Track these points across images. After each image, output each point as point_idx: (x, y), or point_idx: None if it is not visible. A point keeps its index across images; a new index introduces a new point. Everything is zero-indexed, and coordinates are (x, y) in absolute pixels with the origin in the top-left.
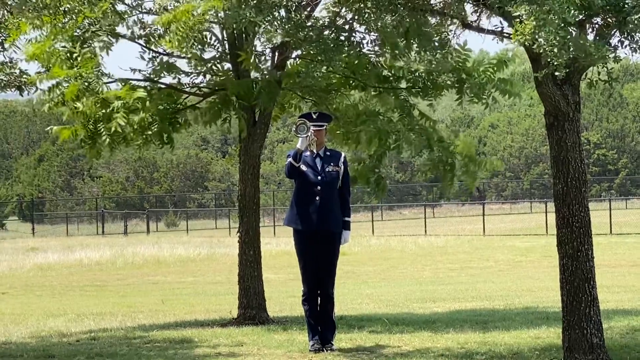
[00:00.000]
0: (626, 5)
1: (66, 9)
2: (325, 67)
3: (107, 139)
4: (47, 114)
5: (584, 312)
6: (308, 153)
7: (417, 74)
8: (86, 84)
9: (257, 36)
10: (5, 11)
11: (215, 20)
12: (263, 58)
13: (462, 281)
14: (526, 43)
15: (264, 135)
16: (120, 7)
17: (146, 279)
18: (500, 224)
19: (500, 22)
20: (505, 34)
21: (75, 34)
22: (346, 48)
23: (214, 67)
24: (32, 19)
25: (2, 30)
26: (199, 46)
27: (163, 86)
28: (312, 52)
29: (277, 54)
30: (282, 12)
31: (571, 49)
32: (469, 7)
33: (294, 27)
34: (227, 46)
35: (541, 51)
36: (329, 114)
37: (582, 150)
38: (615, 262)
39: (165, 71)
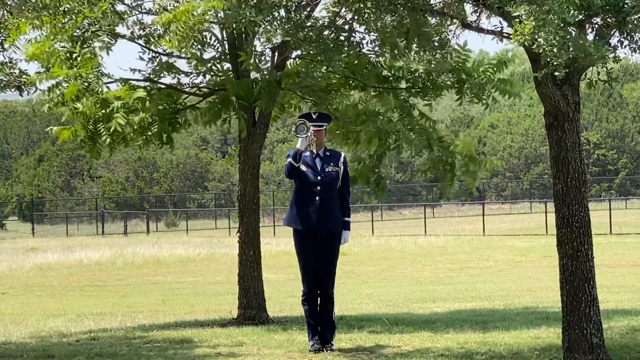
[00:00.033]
0: (626, 6)
1: (66, 9)
2: (325, 67)
3: (108, 139)
4: (46, 114)
5: (583, 312)
6: (308, 153)
7: (416, 74)
8: (86, 84)
9: (257, 36)
10: (5, 11)
11: (215, 20)
12: (263, 58)
13: (462, 281)
14: (526, 43)
15: (264, 135)
16: (120, 7)
17: (146, 279)
18: (500, 224)
19: (500, 22)
20: (504, 34)
21: (75, 34)
22: (346, 48)
23: (213, 67)
24: (31, 19)
25: (1, 31)
26: (199, 46)
27: (163, 86)
28: (311, 52)
29: (277, 54)
30: (282, 12)
31: (571, 49)
32: (468, 7)
33: (294, 27)
34: (226, 46)
35: (541, 51)
36: (329, 114)
37: (581, 150)
38: (615, 262)
39: (165, 71)
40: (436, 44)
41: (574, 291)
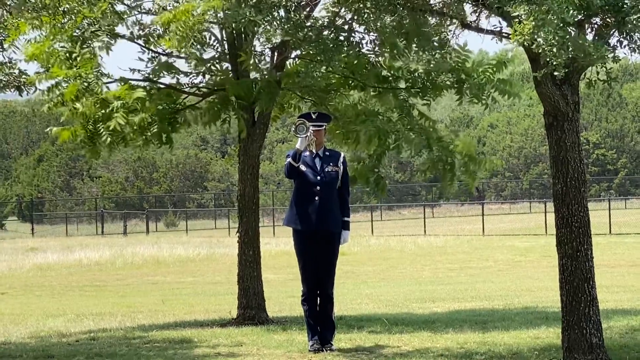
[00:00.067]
0: (625, 6)
1: (65, 9)
2: (324, 67)
3: (108, 139)
4: (46, 114)
5: (583, 312)
6: (307, 153)
7: (416, 74)
8: (85, 84)
9: (257, 36)
10: (4, 11)
11: (215, 20)
12: (262, 58)
13: (461, 281)
14: (525, 43)
15: (263, 135)
16: (120, 7)
17: (145, 279)
18: (500, 224)
19: (499, 22)
20: (504, 34)
21: (75, 34)
22: (345, 48)
23: (213, 67)
24: (31, 19)
25: (1, 31)
26: (198, 46)
27: (162, 86)
28: (311, 52)
29: (276, 54)
30: (282, 12)
31: (570, 48)
32: (468, 7)
33: (293, 27)
34: (226, 46)
35: (540, 51)
36: (328, 114)
37: (581, 150)
38: (614, 262)
39: (164, 71)
40: (436, 44)
41: (573, 291)
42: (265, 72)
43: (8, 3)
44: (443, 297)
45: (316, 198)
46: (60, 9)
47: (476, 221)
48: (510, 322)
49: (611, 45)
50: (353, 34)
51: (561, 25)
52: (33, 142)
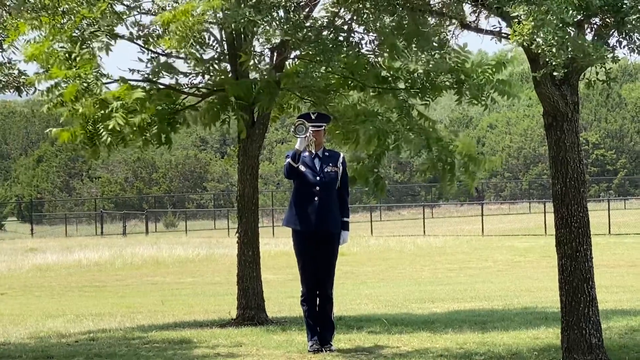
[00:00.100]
0: (624, 6)
1: (65, 10)
2: (324, 68)
3: (108, 138)
4: (45, 114)
5: (582, 312)
6: (307, 153)
7: (415, 74)
8: (85, 84)
9: (256, 36)
10: (4, 12)
11: (214, 20)
12: (262, 58)
13: (460, 281)
14: (525, 43)
15: (263, 135)
16: (119, 8)
17: (145, 279)
18: (499, 224)
19: (499, 22)
20: (503, 35)
21: (74, 34)
22: (345, 48)
23: (212, 68)
24: (30, 19)
25: (0, 31)
26: (198, 47)
27: (162, 87)
28: (310, 52)
29: (275, 54)
30: (281, 12)
31: (569, 49)
32: (467, 8)
33: (293, 27)
34: (225, 47)
35: (539, 51)
36: (328, 114)
37: (580, 150)
38: (613, 262)
39: (163, 71)
40: (435, 44)
41: (572, 291)
42: (264, 73)
43: (7, 3)
44: (442, 298)
45: (315, 198)
46: (59, 9)
47: (475, 221)
48: (509, 322)
49: (610, 45)
50: (352, 35)
51: (560, 25)
52: (32, 142)
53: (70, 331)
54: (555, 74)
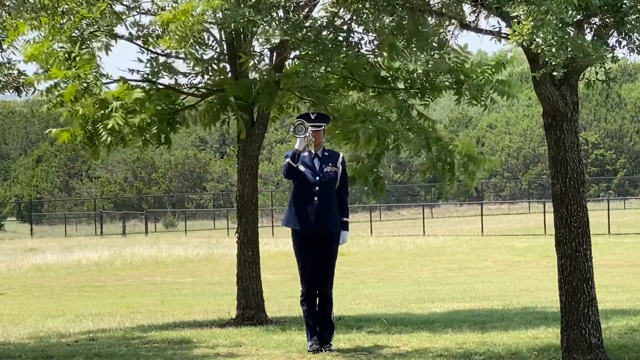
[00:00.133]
0: (624, 6)
1: (64, 10)
2: (323, 68)
3: (108, 138)
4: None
5: (582, 312)
6: (306, 153)
7: (415, 74)
8: (85, 84)
9: (256, 37)
10: (3, 12)
11: (214, 20)
12: (262, 58)
13: (460, 281)
14: (524, 43)
15: (262, 135)
16: (118, 8)
17: (145, 279)
18: (499, 224)
19: (498, 22)
20: (503, 35)
21: (74, 34)
22: (344, 48)
23: (212, 68)
24: (30, 19)
25: (0, 31)
26: (197, 47)
27: (161, 87)
28: (310, 52)
29: (275, 54)
30: (281, 13)
31: (569, 49)
32: (467, 8)
33: (292, 27)
34: (225, 47)
35: (539, 51)
36: (327, 114)
37: (580, 150)
38: (613, 262)
39: (163, 71)
40: (435, 44)
41: (572, 291)
42: (264, 73)
43: (7, 3)
44: (442, 298)
45: (315, 198)
46: (59, 9)
47: (475, 221)
48: (509, 322)
49: (610, 45)
50: (352, 35)
51: (560, 25)
52: (32, 142)
53: (69, 331)
54: (554, 74)
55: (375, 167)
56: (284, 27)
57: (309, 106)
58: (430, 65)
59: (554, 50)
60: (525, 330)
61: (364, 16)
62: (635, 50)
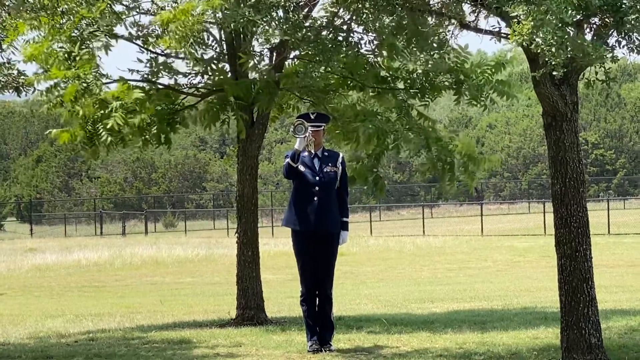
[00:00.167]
0: (623, 6)
1: (64, 10)
2: (323, 68)
3: (108, 138)
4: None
5: (582, 312)
6: (306, 153)
7: (414, 74)
8: (84, 84)
9: (255, 36)
10: (3, 12)
11: (214, 20)
12: (261, 58)
13: (460, 281)
14: (524, 43)
15: (262, 135)
16: (118, 8)
17: (144, 279)
18: (499, 224)
19: (498, 22)
20: (503, 34)
21: (73, 34)
22: (344, 48)
23: (212, 68)
24: (29, 19)
25: (0, 31)
26: (197, 47)
27: (161, 87)
28: (310, 52)
29: (275, 54)
30: (280, 12)
31: (569, 48)
32: (467, 8)
33: (292, 27)
34: (225, 47)
35: (539, 51)
36: (327, 114)
37: (580, 150)
38: (613, 262)
39: (163, 71)
40: (434, 44)
41: (572, 291)
42: (264, 73)
43: (7, 3)
44: (442, 298)
45: (315, 198)
46: (58, 9)
47: (475, 221)
48: (509, 322)
49: (610, 45)
50: (352, 34)
51: (560, 25)
52: (32, 142)
53: (69, 331)
54: (554, 73)
55: (375, 167)
56: (284, 27)
57: (309, 106)
58: (430, 65)
59: (553, 50)
60: (525, 330)
61: (364, 16)
62: (635, 50)
